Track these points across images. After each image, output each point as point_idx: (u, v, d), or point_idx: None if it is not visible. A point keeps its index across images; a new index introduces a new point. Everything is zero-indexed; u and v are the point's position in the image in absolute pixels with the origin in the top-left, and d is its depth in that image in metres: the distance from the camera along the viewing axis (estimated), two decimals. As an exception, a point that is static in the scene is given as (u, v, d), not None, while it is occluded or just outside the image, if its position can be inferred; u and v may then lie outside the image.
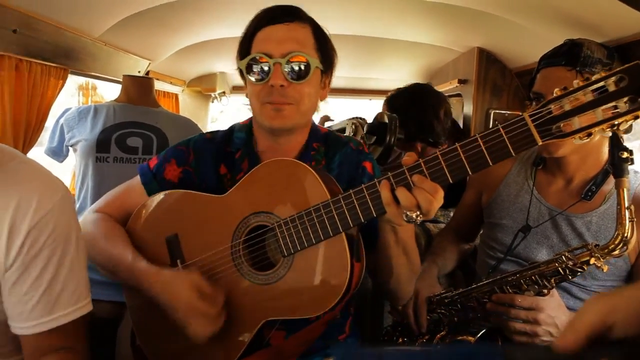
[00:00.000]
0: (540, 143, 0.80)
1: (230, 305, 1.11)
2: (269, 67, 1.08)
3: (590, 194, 1.26)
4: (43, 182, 0.89)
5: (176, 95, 3.56)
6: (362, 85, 4.07)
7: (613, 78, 0.73)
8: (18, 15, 1.48)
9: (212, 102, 4.03)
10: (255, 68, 1.11)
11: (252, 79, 1.12)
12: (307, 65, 1.10)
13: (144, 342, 1.24)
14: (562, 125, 0.78)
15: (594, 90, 0.75)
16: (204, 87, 3.71)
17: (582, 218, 1.27)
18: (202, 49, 2.90)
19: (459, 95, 2.91)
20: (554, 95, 0.79)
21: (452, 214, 1.80)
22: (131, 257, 1.13)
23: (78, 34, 1.84)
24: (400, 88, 2.11)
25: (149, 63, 2.69)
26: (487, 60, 2.55)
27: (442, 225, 1.83)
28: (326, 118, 2.91)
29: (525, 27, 1.96)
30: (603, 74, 0.75)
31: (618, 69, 0.73)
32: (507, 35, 2.23)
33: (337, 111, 3.10)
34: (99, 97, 3.23)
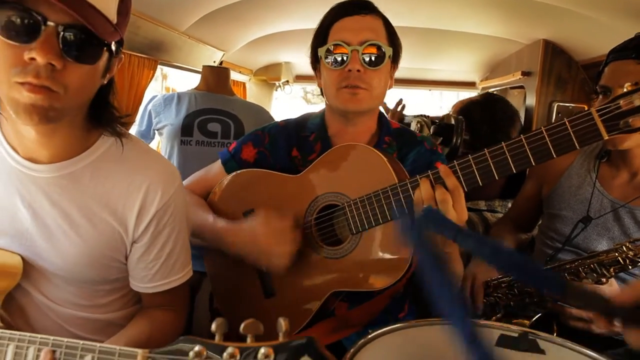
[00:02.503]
0: (606, 137, 0.80)
1: (301, 276, 1.19)
2: (347, 54, 1.15)
3: None
4: (165, 171, 1.00)
5: (244, 84, 3.69)
6: (423, 76, 4.02)
7: None
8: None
9: (276, 90, 4.11)
10: (334, 54, 1.17)
11: (330, 64, 1.18)
12: (382, 54, 1.17)
13: (222, 304, 1.36)
14: (630, 120, 0.77)
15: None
16: (270, 76, 3.81)
17: None
18: (270, 40, 3.02)
19: (521, 87, 2.85)
20: (625, 89, 0.79)
21: (509, 205, 1.82)
22: (212, 219, 1.24)
23: (169, 29, 2.01)
24: (472, 99, 2.07)
25: (223, 54, 2.84)
26: (553, 52, 2.48)
27: (500, 215, 1.84)
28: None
29: (594, 19, 1.91)
30: None
31: None
32: (574, 27, 2.17)
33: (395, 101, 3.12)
34: (168, 83, 3.51)
